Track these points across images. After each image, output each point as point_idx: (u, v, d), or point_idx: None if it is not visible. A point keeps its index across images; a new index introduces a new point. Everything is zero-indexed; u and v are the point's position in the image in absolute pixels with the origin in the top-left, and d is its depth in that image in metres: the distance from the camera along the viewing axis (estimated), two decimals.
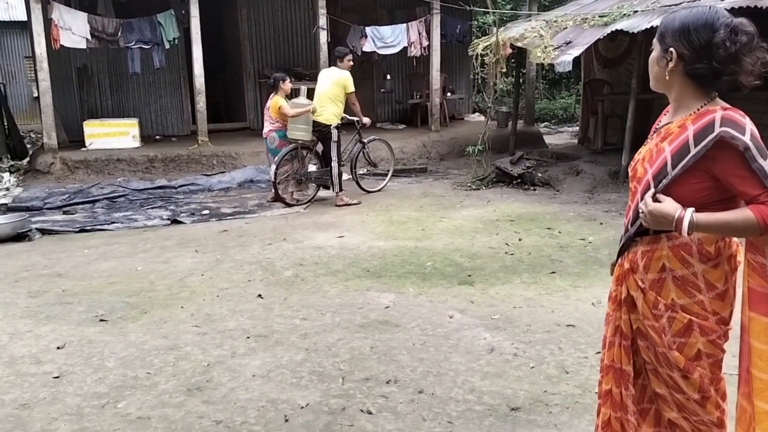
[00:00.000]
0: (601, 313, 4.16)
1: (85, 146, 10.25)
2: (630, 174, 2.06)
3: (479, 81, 10.30)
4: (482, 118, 12.95)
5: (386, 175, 9.16)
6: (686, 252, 1.90)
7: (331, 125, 7.81)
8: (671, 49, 1.86)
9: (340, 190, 8.01)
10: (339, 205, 7.91)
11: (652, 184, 1.90)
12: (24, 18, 14.03)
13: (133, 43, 10.23)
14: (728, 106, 1.87)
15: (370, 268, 5.36)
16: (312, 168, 8.23)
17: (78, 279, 5.30)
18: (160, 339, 3.98)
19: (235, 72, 13.12)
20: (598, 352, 3.59)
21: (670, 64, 1.88)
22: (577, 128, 13.45)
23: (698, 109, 1.88)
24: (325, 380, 3.38)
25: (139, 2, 10.85)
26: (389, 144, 9.23)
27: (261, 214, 7.74)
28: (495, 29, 9.68)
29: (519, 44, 9.15)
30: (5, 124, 12.63)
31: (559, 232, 6.38)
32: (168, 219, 7.51)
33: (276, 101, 8.12)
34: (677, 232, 1.83)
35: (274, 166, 7.92)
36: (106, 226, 7.27)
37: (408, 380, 3.36)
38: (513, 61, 10.99)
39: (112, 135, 10.46)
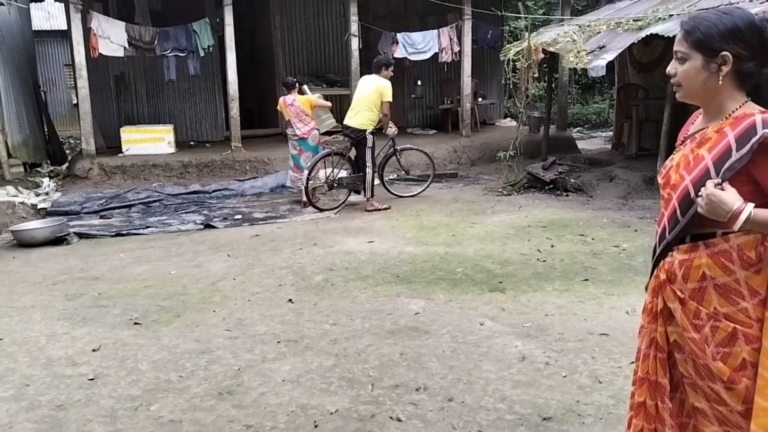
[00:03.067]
0: (635, 322, 4.08)
1: (122, 152, 10.46)
2: (662, 181, 2.00)
3: (511, 86, 10.23)
4: (514, 123, 12.85)
5: (422, 181, 9.20)
6: (727, 259, 1.84)
7: (366, 130, 7.86)
8: (725, 52, 1.80)
9: (372, 195, 8.03)
10: (369, 210, 7.93)
11: (691, 191, 1.85)
12: (64, 27, 14.42)
13: (168, 50, 10.43)
14: (763, 108, 1.83)
15: (400, 274, 5.35)
16: (344, 173, 8.27)
17: (113, 282, 5.40)
18: (192, 342, 4.03)
19: (268, 78, 13.26)
20: (632, 362, 3.52)
21: (725, 68, 1.81)
22: (611, 133, 13.27)
23: (733, 112, 1.84)
24: (354, 386, 3.38)
25: (175, 11, 11.06)
26: (427, 153, 9.21)
27: (292, 219, 7.80)
28: (527, 34, 9.61)
29: (551, 49, 9.06)
30: (45, 130, 12.99)
31: (593, 239, 6.29)
32: (201, 223, 7.62)
33: (306, 98, 8.54)
34: (729, 225, 1.76)
35: (306, 172, 8.00)
36: (141, 231, 7.40)
37: (438, 388, 3.34)
38: (545, 66, 10.88)
39: (148, 141, 10.66)
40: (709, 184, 1.80)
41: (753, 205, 1.74)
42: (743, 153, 1.76)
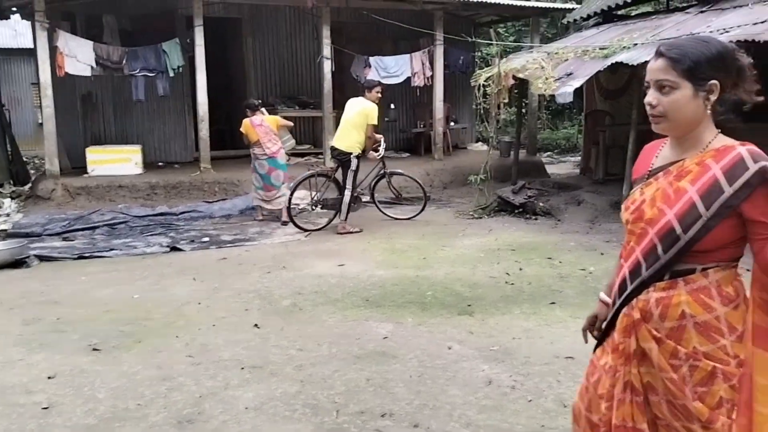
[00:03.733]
0: None
1: (87, 172, 10.27)
2: (631, 216, 1.92)
3: (482, 111, 10.34)
4: (485, 147, 12.97)
5: (412, 204, 9.27)
6: (706, 296, 1.79)
7: (351, 153, 7.87)
8: (713, 81, 1.76)
9: (345, 219, 8.00)
10: (340, 233, 7.89)
11: (677, 227, 1.79)
12: (31, 45, 14.20)
13: (137, 70, 10.33)
14: (735, 140, 1.81)
15: (370, 298, 5.30)
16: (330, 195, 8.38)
17: (74, 307, 5.25)
18: (153, 369, 3.92)
19: (239, 99, 13.19)
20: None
21: (712, 97, 1.78)
22: (579, 158, 13.47)
23: (709, 143, 1.81)
24: (318, 413, 3.31)
25: (145, 31, 10.98)
26: (417, 179, 9.17)
27: (261, 242, 7.71)
28: (497, 60, 9.74)
29: (521, 75, 9.19)
30: (9, 149, 12.70)
31: (560, 262, 6.33)
32: (167, 246, 7.48)
33: (273, 118, 8.82)
34: None
35: (288, 192, 8.17)
36: (105, 253, 7.24)
37: (403, 413, 3.29)
38: (515, 91, 11.04)
39: (115, 161, 10.49)
40: None
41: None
42: (738, 188, 1.72)
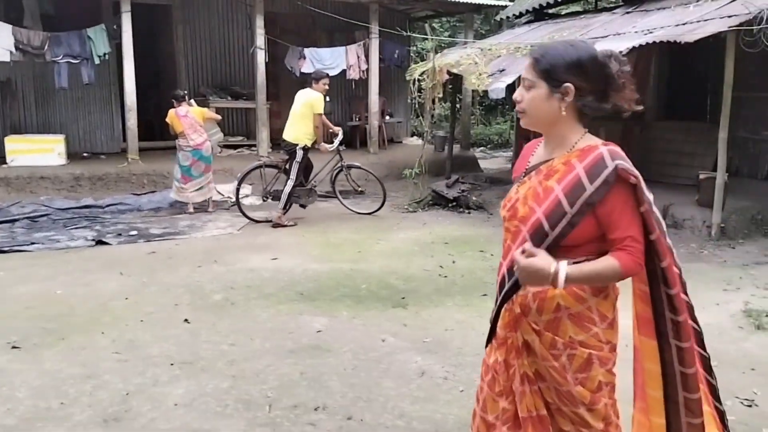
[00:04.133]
0: None
1: (6, 163, 9.76)
2: (507, 214, 2.00)
3: (417, 105, 10.42)
4: (420, 141, 13.08)
5: (367, 198, 9.18)
6: (579, 288, 1.90)
7: (297, 144, 7.82)
8: (567, 84, 1.85)
9: (284, 210, 7.93)
10: (275, 224, 7.82)
11: (545, 224, 1.87)
12: None
13: (60, 57, 9.87)
14: (604, 140, 1.92)
15: (304, 292, 5.27)
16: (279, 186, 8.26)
17: None
18: (77, 367, 3.77)
19: (169, 89, 12.83)
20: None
21: (567, 99, 1.87)
22: (511, 153, 13.78)
23: (575, 144, 1.90)
24: (251, 408, 3.27)
25: (69, 16, 10.50)
26: (375, 174, 9.00)
27: (192, 236, 7.53)
28: (432, 55, 9.83)
29: (455, 70, 9.32)
30: None
31: (492, 255, 6.46)
32: (93, 240, 7.20)
33: (200, 109, 8.72)
34: (554, 286, 1.82)
35: (236, 182, 8.17)
36: (25, 247, 6.90)
37: (337, 406, 3.29)
38: (450, 86, 11.18)
39: (36, 151, 10.01)
40: (517, 254, 1.84)
41: (566, 263, 1.81)
42: (598, 185, 1.81)
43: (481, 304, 4.94)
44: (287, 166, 8.09)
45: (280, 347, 4.08)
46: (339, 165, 8.61)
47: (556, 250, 1.86)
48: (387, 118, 13.53)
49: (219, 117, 9.29)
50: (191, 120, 8.49)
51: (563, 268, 1.79)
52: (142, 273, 5.82)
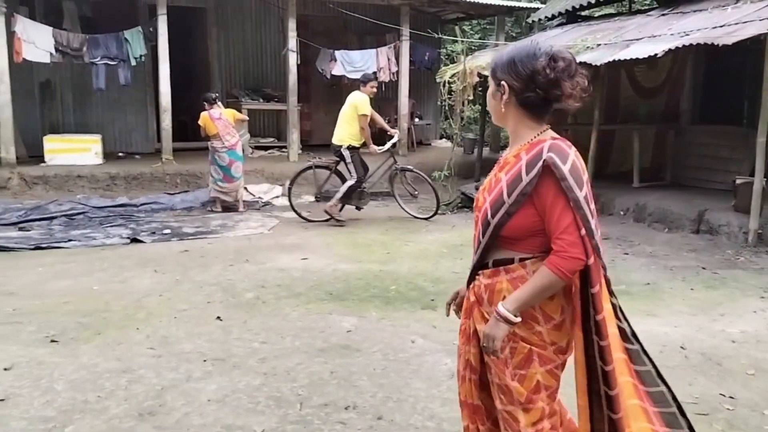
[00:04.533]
0: None
1: (44, 162, 10.01)
2: (474, 205, 2.11)
3: (446, 108, 10.41)
4: (449, 144, 13.06)
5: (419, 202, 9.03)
6: (523, 284, 1.94)
7: (342, 146, 7.92)
8: (503, 82, 1.94)
9: (337, 203, 8.04)
10: (325, 211, 8.02)
11: (489, 213, 1.95)
12: None
13: (98, 58, 10.09)
14: (558, 136, 1.97)
15: (333, 291, 5.30)
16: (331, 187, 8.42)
17: (30, 298, 5.12)
18: (112, 361, 3.86)
19: (203, 91, 13.02)
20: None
21: (504, 97, 1.95)
22: None
23: (532, 139, 1.96)
24: (282, 405, 3.31)
25: (107, 18, 10.74)
26: (428, 179, 8.76)
27: (224, 235, 7.63)
28: (463, 58, 9.82)
29: (486, 73, 9.28)
30: None
31: None
32: (128, 238, 7.35)
33: (230, 111, 8.94)
34: (510, 325, 1.90)
35: (288, 183, 8.49)
36: (62, 244, 7.07)
37: (367, 406, 3.31)
38: (480, 89, 11.15)
39: (74, 151, 10.24)
40: (480, 328, 1.99)
41: (500, 304, 1.90)
42: (530, 177, 1.88)
43: None
44: (339, 168, 8.18)
45: (310, 346, 4.12)
46: (393, 168, 8.55)
47: (500, 241, 1.95)
48: (416, 120, 13.54)
49: (247, 118, 9.51)
50: (225, 122, 8.68)
51: (500, 306, 1.89)
52: (175, 271, 5.92)
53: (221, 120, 8.65)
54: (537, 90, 1.90)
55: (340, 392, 3.46)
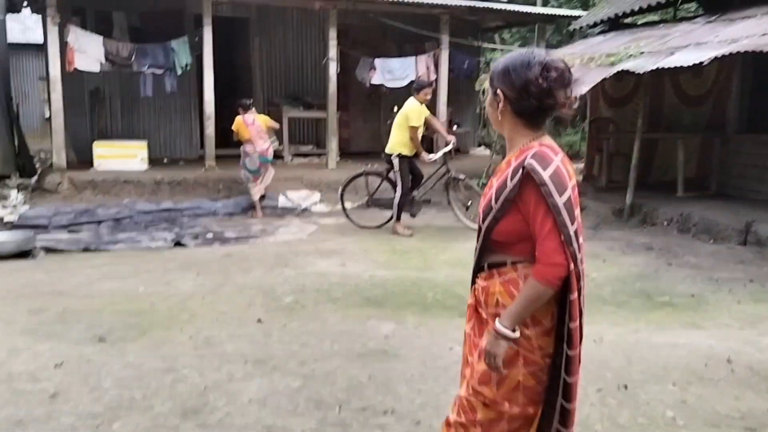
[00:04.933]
0: (602, 351, 4.14)
1: (93, 167, 10.33)
2: None
3: (485, 116, 10.38)
4: (487, 152, 13.03)
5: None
6: (515, 287, 1.97)
7: (392, 154, 7.91)
8: (498, 91, 1.98)
9: (397, 219, 8.00)
10: (394, 233, 7.94)
11: (481, 217, 2.02)
12: (40, 40, 14.27)
13: (146, 67, 10.39)
14: (548, 142, 1.98)
15: (371, 297, 5.34)
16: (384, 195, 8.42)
17: (79, 298, 5.30)
18: (158, 360, 3.96)
19: (245, 98, 13.27)
20: (599, 390, 3.57)
21: (500, 105, 1.99)
22: (582, 165, 13.51)
23: (523, 146, 1.99)
24: (321, 408, 3.35)
25: (154, 28, 11.05)
26: (475, 187, 8.44)
27: (264, 240, 7.76)
28: None
29: None
30: (16, 142, 12.76)
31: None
32: (172, 241, 7.53)
33: (264, 118, 9.21)
34: (509, 342, 1.92)
35: (340, 189, 8.52)
36: (110, 247, 7.30)
37: (405, 411, 3.33)
38: None
39: (121, 156, 10.55)
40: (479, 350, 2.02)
41: (497, 320, 1.93)
42: (515, 182, 1.91)
43: None
44: (390, 176, 8.15)
45: (349, 350, 4.16)
46: (447, 176, 8.39)
47: (493, 244, 1.99)
48: (454, 128, 13.52)
49: (277, 125, 9.71)
50: (258, 127, 8.94)
51: (498, 324, 1.91)
52: (217, 274, 6.05)
53: (254, 125, 8.90)
54: (531, 99, 1.93)
55: (378, 396, 3.49)
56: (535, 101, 1.93)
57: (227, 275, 6.01)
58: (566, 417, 1.98)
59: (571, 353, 1.94)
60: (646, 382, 3.70)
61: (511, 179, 1.92)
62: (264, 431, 3.11)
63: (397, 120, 7.91)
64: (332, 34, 11.01)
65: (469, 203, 8.53)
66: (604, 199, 9.54)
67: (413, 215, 8.35)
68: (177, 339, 4.34)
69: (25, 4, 12.21)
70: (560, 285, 1.89)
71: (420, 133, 7.91)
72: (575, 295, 1.91)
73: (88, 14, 11.10)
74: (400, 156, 7.87)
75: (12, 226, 8.22)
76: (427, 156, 8.02)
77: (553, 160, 1.90)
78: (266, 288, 5.58)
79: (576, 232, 1.88)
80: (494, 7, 11.74)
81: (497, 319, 1.94)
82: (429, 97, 7.97)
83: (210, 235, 7.92)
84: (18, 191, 10.36)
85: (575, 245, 1.88)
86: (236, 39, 13.15)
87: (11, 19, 15.50)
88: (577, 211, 1.92)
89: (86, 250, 7.16)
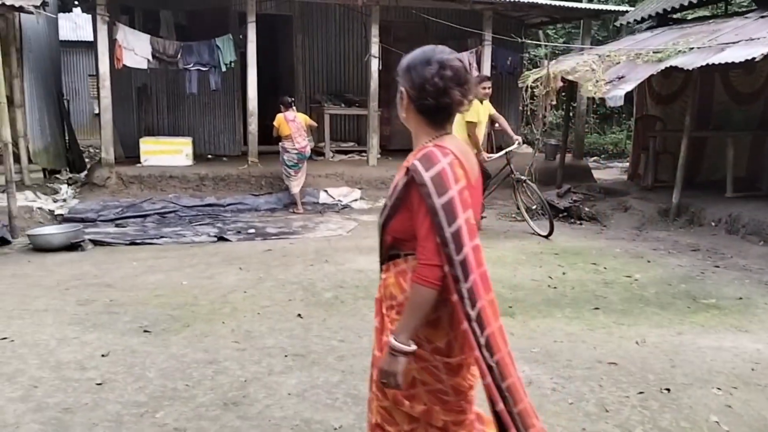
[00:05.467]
0: (645, 352, 4.06)
1: (140, 162, 10.58)
2: None
3: (528, 113, 10.26)
4: (530, 149, 12.86)
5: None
6: (403, 278, 1.99)
7: None
8: (401, 88, 1.98)
9: None
10: None
11: (380, 213, 2.05)
12: (90, 38, 14.69)
13: (191, 65, 10.57)
14: (445, 143, 1.95)
15: None
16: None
17: (125, 290, 5.44)
18: (200, 352, 4.04)
19: (287, 96, 13.41)
20: (641, 392, 3.50)
21: (404, 102, 1.99)
22: (627, 164, 13.24)
23: (423, 144, 1.99)
24: (359, 403, 3.37)
25: (200, 26, 11.25)
26: (539, 192, 8.03)
27: (305, 236, 7.83)
28: (546, 62, 9.66)
29: (570, 77, 9.10)
30: (66, 138, 13.18)
31: (605, 268, 6.26)
32: (215, 236, 7.67)
33: (303, 116, 9.38)
34: (400, 355, 1.89)
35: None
36: (155, 240, 7.47)
37: None
38: (563, 94, 10.93)
39: (167, 152, 10.77)
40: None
41: (391, 337, 1.90)
42: (403, 182, 1.93)
43: (592, 317, 4.80)
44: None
45: None
46: (511, 177, 8.04)
47: (390, 239, 2.02)
48: (496, 125, 13.38)
49: (316, 125, 9.96)
50: (298, 124, 9.10)
51: (392, 340, 1.90)
52: (259, 269, 6.13)
53: (295, 122, 9.08)
54: (428, 98, 1.93)
55: None
56: (432, 100, 1.93)
57: (268, 270, 6.09)
58: (517, 421, 1.94)
59: (495, 360, 1.91)
60: (690, 385, 3.61)
61: (403, 178, 1.95)
62: (302, 425, 3.15)
63: (457, 118, 7.62)
64: (374, 31, 11.01)
65: (534, 207, 8.24)
66: (649, 198, 9.33)
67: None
68: (219, 332, 4.42)
69: (75, 3, 12.58)
70: (435, 284, 1.87)
71: (482, 130, 7.50)
72: (455, 297, 1.88)
73: (136, 13, 11.36)
74: None
75: (62, 219, 8.50)
76: (485, 155, 7.62)
77: (439, 162, 1.88)
78: (306, 283, 5.64)
79: (457, 234, 1.85)
80: (538, 2, 11.56)
81: (391, 335, 1.91)
82: (488, 91, 7.58)
83: (252, 231, 8.03)
84: (68, 185, 10.71)
85: (452, 247, 1.85)
86: (279, 36, 13.29)
87: (63, 18, 16.00)
88: (469, 213, 1.88)
89: (132, 243, 7.34)
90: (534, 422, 1.97)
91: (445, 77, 1.92)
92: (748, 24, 8.48)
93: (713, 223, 8.09)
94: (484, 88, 7.45)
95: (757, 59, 6.74)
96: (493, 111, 7.69)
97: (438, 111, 1.96)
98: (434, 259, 1.86)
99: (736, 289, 5.60)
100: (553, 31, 18.46)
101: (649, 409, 3.34)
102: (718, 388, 3.58)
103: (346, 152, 12.55)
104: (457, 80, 1.94)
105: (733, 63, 7.04)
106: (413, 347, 1.89)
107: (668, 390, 3.54)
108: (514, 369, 1.97)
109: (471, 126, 7.35)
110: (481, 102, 7.47)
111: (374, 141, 11.48)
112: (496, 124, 8.18)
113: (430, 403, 2.01)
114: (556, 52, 12.47)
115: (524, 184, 8.11)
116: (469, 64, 11.89)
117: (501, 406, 1.93)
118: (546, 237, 7.69)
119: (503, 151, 7.88)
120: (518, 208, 8.29)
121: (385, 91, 12.20)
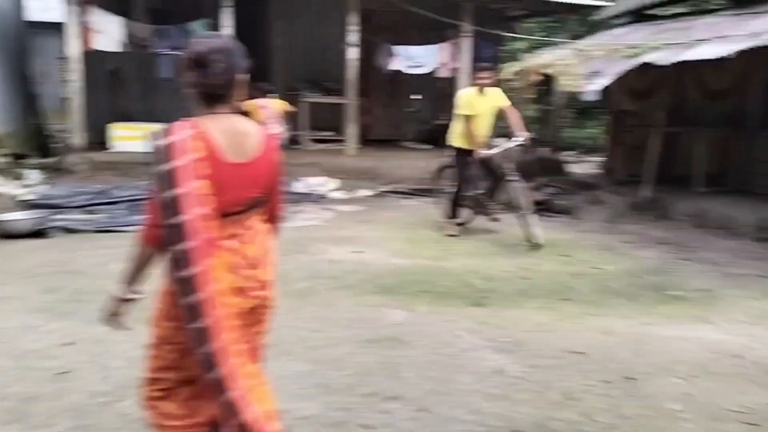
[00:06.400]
0: (612, 343, 4.11)
1: (111, 148, 10.40)
2: None
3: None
4: (510, 144, 12.90)
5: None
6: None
7: (450, 146, 7.34)
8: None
9: (450, 217, 7.37)
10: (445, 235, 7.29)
11: None
12: (59, 20, 14.33)
13: (165, 49, 10.41)
14: (191, 119, 2.16)
15: (385, 285, 5.33)
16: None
17: (93, 278, 5.34)
18: None
19: (264, 82, 13.27)
20: (606, 381, 3.54)
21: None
22: (603, 158, 13.36)
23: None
24: (329, 393, 3.35)
25: (174, 9, 11.05)
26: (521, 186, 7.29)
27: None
28: (525, 55, 9.68)
29: (547, 71, 9.14)
30: (36, 122, 12.88)
31: (576, 260, 6.31)
32: None
33: (281, 103, 9.19)
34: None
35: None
36: (125, 228, 7.33)
37: (412, 397, 3.32)
38: (543, 87, 10.97)
39: (139, 138, 10.58)
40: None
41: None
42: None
43: (563, 308, 4.85)
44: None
45: (360, 337, 4.16)
46: (500, 173, 7.19)
47: None
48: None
49: (294, 109, 9.83)
50: (271, 111, 8.88)
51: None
52: None
53: (267, 109, 8.88)
54: (183, 79, 2.16)
55: (386, 383, 3.49)
56: (184, 81, 2.16)
57: None
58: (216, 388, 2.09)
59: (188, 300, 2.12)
60: (653, 374, 3.67)
61: None
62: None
63: (456, 108, 7.14)
64: (353, 19, 10.93)
65: (523, 211, 7.01)
66: (621, 192, 9.43)
67: (495, 219, 7.40)
68: None
69: None
70: (147, 245, 2.26)
71: (483, 123, 7.01)
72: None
73: None
74: (457, 149, 7.15)
75: (30, 205, 8.30)
76: (480, 151, 6.99)
77: (169, 133, 2.10)
78: (280, 273, 5.54)
79: (172, 200, 2.07)
80: None
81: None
82: (486, 81, 6.92)
83: None
84: (36, 171, 10.46)
85: (167, 212, 2.09)
86: (257, 22, 13.11)
87: None
88: (182, 187, 2.06)
89: (102, 230, 7.22)
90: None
91: (187, 61, 2.13)
92: (721, 22, 8.58)
93: (683, 218, 8.21)
94: (482, 78, 6.93)
95: (728, 56, 6.83)
96: (503, 103, 7.07)
97: (191, 92, 2.17)
98: (145, 228, 2.16)
99: (703, 281, 5.69)
100: (534, 24, 18.53)
101: (613, 397, 3.38)
102: (680, 377, 3.64)
103: (324, 141, 12.47)
104: (193, 64, 2.12)
105: (705, 60, 7.13)
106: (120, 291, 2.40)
107: (632, 379, 3.59)
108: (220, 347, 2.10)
109: (465, 119, 6.94)
110: (481, 93, 6.99)
111: (352, 130, 11.43)
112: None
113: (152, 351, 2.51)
114: (535, 45, 12.50)
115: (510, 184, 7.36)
116: (449, 54, 11.86)
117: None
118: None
119: (501, 148, 7.11)
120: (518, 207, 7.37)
121: (365, 80, 12.14)
